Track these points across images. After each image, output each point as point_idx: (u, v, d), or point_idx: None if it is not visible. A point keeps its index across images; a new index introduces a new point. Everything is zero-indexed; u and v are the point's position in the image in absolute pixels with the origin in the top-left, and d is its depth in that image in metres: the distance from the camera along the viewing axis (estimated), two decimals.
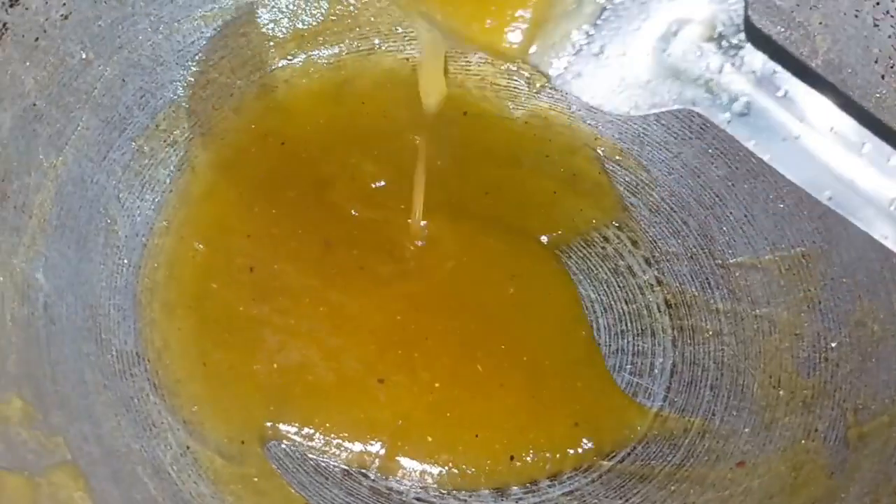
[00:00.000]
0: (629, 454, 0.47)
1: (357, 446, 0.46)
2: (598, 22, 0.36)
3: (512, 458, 0.46)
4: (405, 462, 0.46)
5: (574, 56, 0.36)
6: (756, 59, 0.36)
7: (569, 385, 0.48)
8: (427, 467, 0.46)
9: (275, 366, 0.47)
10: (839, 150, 0.35)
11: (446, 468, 0.46)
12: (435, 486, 0.46)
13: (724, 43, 0.36)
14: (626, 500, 0.46)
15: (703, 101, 0.36)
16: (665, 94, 0.36)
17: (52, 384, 0.42)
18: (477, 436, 0.47)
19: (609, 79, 0.36)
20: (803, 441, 0.46)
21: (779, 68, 0.36)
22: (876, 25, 0.48)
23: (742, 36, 0.36)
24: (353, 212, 0.52)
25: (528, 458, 0.47)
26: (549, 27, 0.36)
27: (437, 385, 0.47)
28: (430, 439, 0.46)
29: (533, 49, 0.36)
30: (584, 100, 0.37)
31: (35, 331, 0.42)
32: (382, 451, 0.46)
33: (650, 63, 0.36)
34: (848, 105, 0.36)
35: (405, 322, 0.49)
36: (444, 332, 0.49)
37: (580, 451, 0.47)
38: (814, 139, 0.35)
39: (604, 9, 0.36)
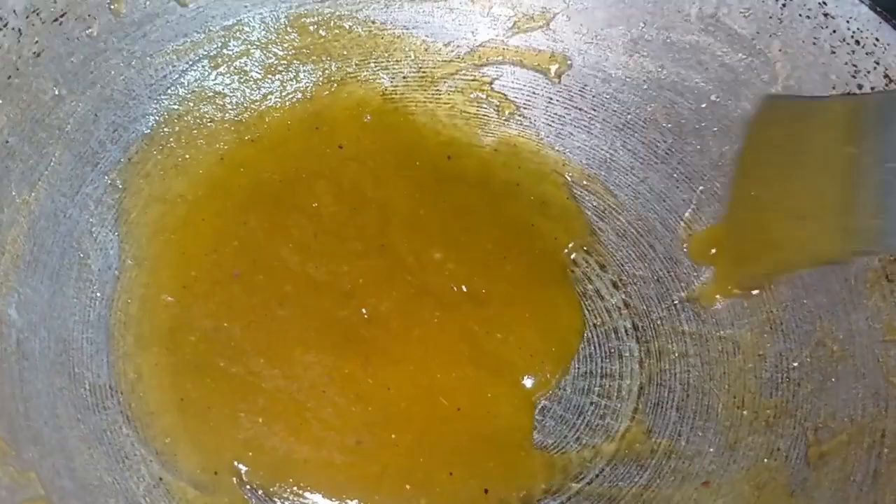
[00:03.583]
0: (597, 476, 0.48)
1: (334, 503, 0.47)
2: None
3: (486, 490, 0.47)
4: None
5: None
6: None
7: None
8: None
9: (260, 420, 0.47)
10: None
11: None
12: None
13: None
14: None
15: None
16: None
17: (25, 420, 0.42)
18: (451, 473, 0.47)
19: None
20: (766, 460, 0.46)
21: None
22: (833, 53, 0.49)
23: None
24: (315, 266, 0.52)
25: (502, 489, 0.47)
26: None
27: (410, 434, 0.48)
28: (407, 487, 0.47)
29: None
30: None
31: (8, 367, 0.43)
32: None
33: None
34: None
35: (381, 381, 0.49)
36: (414, 383, 0.49)
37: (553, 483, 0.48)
38: None
39: None
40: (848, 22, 0.48)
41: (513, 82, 0.57)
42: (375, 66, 0.57)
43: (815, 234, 0.43)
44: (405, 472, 0.47)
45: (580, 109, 0.56)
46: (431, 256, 0.52)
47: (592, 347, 0.51)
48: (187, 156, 0.53)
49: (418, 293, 0.51)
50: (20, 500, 0.39)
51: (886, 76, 0.48)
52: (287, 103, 0.56)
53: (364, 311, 0.50)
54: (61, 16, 0.47)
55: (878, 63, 0.48)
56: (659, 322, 0.52)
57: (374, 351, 0.50)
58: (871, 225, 0.41)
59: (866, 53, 0.48)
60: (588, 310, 0.53)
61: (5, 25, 0.45)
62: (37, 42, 0.47)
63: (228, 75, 0.55)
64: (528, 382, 0.50)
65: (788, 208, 0.44)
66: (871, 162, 0.40)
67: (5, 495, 0.39)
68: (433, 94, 0.57)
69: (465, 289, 0.52)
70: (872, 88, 0.48)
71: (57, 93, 0.48)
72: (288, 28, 0.55)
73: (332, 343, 0.50)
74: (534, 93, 0.57)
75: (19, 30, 0.46)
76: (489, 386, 0.49)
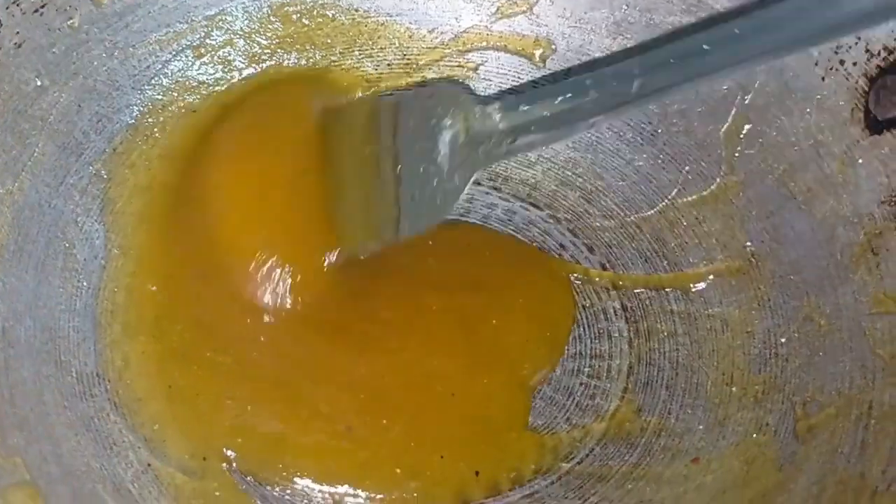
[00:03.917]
0: (588, 455, 0.48)
1: (324, 488, 0.47)
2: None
3: (477, 473, 0.47)
4: (375, 496, 0.46)
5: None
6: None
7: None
8: (395, 495, 0.46)
9: (249, 408, 0.47)
10: None
11: (415, 494, 0.46)
12: None
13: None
14: (585, 500, 0.46)
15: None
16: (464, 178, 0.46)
17: (11, 406, 0.42)
18: (442, 457, 0.47)
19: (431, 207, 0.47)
20: (755, 435, 0.46)
21: None
22: None
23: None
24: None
25: (492, 471, 0.47)
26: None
27: (402, 420, 0.48)
28: (398, 471, 0.47)
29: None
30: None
31: None
32: (350, 491, 0.46)
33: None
34: None
35: (374, 369, 0.49)
36: (410, 368, 0.49)
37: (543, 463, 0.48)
38: None
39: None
40: None
41: (498, 68, 0.57)
42: (359, 55, 0.57)
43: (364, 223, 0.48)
44: (396, 457, 0.47)
45: None
46: (424, 241, 0.52)
47: (581, 329, 0.51)
48: (172, 145, 0.53)
49: (412, 279, 0.51)
50: (5, 484, 0.39)
51: (868, 51, 0.48)
52: (271, 91, 0.55)
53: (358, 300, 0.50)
54: (42, 6, 0.47)
55: (859, 38, 0.48)
56: (647, 302, 0.52)
57: (368, 339, 0.49)
58: (392, 215, 0.46)
59: None
60: (577, 292, 0.53)
61: None
62: (17, 33, 0.47)
63: (212, 65, 0.55)
64: (523, 368, 0.50)
65: (344, 200, 0.49)
66: (388, 158, 0.46)
67: None
68: (418, 81, 0.57)
69: (457, 273, 0.51)
70: (855, 64, 0.48)
71: (39, 84, 0.48)
72: (271, 17, 0.55)
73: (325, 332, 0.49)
74: (519, 78, 0.57)
75: None
76: (485, 372, 0.49)
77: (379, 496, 0.46)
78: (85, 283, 0.48)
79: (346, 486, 0.46)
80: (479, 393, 0.49)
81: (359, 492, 0.46)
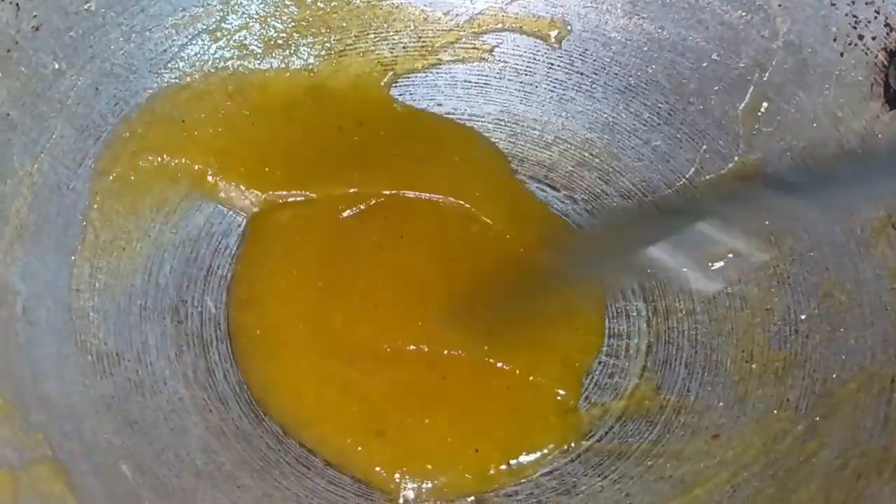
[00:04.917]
0: (607, 433, 0.48)
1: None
2: None
3: (509, 463, 0.47)
4: (398, 487, 0.46)
5: None
6: None
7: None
8: (425, 485, 0.46)
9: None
10: None
11: (444, 490, 0.46)
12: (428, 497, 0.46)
13: None
14: (604, 478, 0.46)
15: None
16: None
17: (33, 383, 0.42)
18: (477, 450, 0.46)
19: None
20: (776, 411, 0.46)
21: None
22: (833, 4, 0.49)
23: None
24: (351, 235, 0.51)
25: (524, 460, 0.47)
26: None
27: (447, 418, 0.47)
28: (429, 466, 0.46)
29: None
30: None
31: (14, 333, 0.43)
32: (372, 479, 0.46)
33: None
34: None
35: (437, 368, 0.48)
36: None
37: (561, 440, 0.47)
38: None
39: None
40: None
41: (513, 49, 0.57)
42: (375, 38, 0.57)
43: None
44: (429, 453, 0.46)
45: (581, 74, 0.56)
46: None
47: None
48: (189, 129, 0.53)
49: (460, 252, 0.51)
50: (28, 459, 0.39)
51: (887, 25, 0.47)
52: (288, 76, 0.56)
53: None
54: None
55: (878, 12, 0.48)
56: (665, 281, 0.52)
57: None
58: None
59: (866, 3, 0.48)
60: None
61: None
62: (35, 16, 0.47)
63: (228, 49, 0.55)
64: (575, 355, 0.50)
65: None
66: None
67: (13, 455, 0.39)
68: (433, 64, 0.57)
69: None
70: (874, 38, 0.48)
71: (57, 67, 0.48)
72: (286, 0, 0.55)
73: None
74: (534, 59, 0.56)
75: (17, 4, 0.46)
76: (542, 363, 0.49)
77: (404, 487, 0.46)
78: (104, 265, 0.48)
79: (368, 478, 0.46)
80: (533, 384, 0.48)
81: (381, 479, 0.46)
